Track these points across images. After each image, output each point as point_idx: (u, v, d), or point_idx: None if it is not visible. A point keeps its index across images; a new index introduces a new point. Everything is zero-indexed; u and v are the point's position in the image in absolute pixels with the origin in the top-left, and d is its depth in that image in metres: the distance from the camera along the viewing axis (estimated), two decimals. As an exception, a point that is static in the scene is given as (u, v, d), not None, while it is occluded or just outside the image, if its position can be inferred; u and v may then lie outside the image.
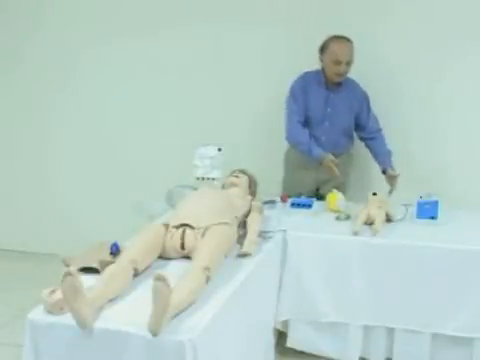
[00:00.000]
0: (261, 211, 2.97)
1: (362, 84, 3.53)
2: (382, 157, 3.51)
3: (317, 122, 3.48)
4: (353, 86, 3.50)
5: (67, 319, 1.92)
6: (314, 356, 2.96)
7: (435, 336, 2.79)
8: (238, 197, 2.93)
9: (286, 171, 3.70)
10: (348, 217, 3.12)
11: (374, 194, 3.11)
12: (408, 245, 2.80)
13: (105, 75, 4.32)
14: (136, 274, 2.25)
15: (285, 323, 2.94)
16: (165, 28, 4.11)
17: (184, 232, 2.48)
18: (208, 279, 2.16)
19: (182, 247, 2.47)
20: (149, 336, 1.84)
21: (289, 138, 3.50)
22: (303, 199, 3.36)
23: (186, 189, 3.09)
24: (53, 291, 2.03)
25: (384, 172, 3.47)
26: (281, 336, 2.99)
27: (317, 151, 3.36)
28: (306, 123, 3.48)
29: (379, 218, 2.97)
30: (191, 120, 4.15)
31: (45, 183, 4.56)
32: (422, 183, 3.65)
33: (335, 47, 3.31)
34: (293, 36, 3.84)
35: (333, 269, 2.85)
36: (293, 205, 3.31)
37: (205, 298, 2.10)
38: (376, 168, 3.62)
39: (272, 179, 3.62)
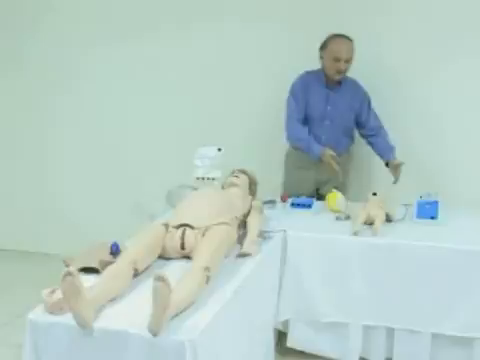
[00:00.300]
0: (261, 211, 2.97)
1: (362, 83, 3.53)
2: (384, 151, 3.48)
3: (317, 121, 3.48)
4: (354, 85, 3.51)
5: (67, 319, 1.92)
6: (314, 356, 2.96)
7: (435, 336, 2.79)
8: (238, 197, 2.93)
9: (286, 171, 3.70)
10: (348, 217, 3.12)
11: (374, 194, 3.11)
12: (408, 245, 2.80)
13: (105, 75, 4.32)
14: (136, 274, 2.25)
15: (285, 323, 2.94)
16: (165, 28, 4.11)
17: (184, 232, 2.48)
18: (208, 279, 2.16)
19: (182, 247, 2.47)
20: (149, 336, 1.84)
21: (289, 135, 3.51)
22: (303, 199, 3.36)
23: (186, 189, 3.09)
24: (53, 291, 2.03)
25: (387, 165, 3.44)
26: (281, 336, 3.00)
27: (317, 147, 3.36)
28: (306, 122, 3.49)
29: (379, 218, 2.97)
30: (191, 120, 4.16)
31: (45, 183, 4.57)
32: (422, 182, 3.66)
33: (335, 44, 3.33)
34: (293, 36, 3.84)
35: (333, 269, 2.85)
36: (293, 205, 3.31)
37: (205, 298, 2.10)
38: (376, 168, 3.62)
39: (272, 179, 3.63)
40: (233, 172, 3.18)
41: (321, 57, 3.41)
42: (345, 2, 3.77)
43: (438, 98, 3.74)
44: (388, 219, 3.07)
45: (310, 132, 3.45)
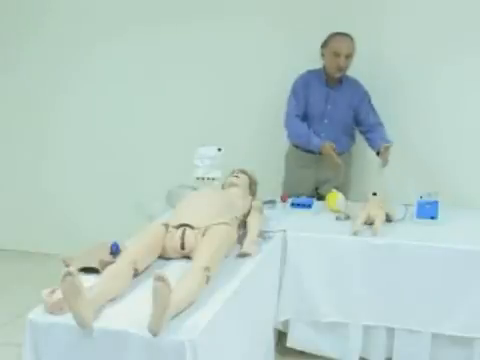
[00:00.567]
0: (261, 211, 2.97)
1: (363, 82, 3.53)
2: (377, 141, 3.40)
3: (317, 119, 3.49)
4: (355, 84, 3.52)
5: (67, 319, 1.92)
6: (314, 356, 2.96)
7: (435, 336, 2.79)
8: (238, 197, 2.93)
9: (286, 171, 3.70)
10: (348, 217, 3.12)
11: (374, 194, 3.11)
12: (408, 245, 2.80)
13: (105, 75, 4.32)
14: (136, 274, 2.25)
15: (285, 323, 2.94)
16: (165, 28, 4.11)
17: (184, 232, 2.48)
18: (208, 279, 2.16)
19: (182, 247, 2.47)
20: (149, 336, 1.84)
21: (289, 133, 3.52)
22: (303, 199, 3.36)
23: (186, 189, 3.09)
24: (53, 291, 2.03)
25: (378, 153, 3.37)
26: (281, 336, 2.99)
27: (316, 140, 3.36)
28: (306, 120, 3.49)
29: (379, 218, 2.97)
30: (191, 120, 4.15)
31: (45, 183, 4.57)
32: (422, 182, 3.65)
33: (335, 41, 3.36)
34: (294, 36, 3.84)
35: (333, 269, 2.85)
36: (293, 205, 3.31)
37: (205, 298, 2.10)
38: (376, 168, 3.61)
39: (272, 179, 3.63)
40: (233, 172, 3.18)
41: (322, 55, 3.43)
42: (346, 2, 3.77)
43: (438, 98, 3.74)
44: (388, 219, 3.07)
45: (310, 130, 3.45)
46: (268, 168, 3.76)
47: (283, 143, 3.64)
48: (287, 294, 2.88)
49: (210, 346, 1.95)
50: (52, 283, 2.04)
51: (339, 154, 3.49)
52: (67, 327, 1.93)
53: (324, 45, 3.41)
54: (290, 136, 3.55)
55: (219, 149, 3.23)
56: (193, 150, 3.26)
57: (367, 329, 2.88)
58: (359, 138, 3.67)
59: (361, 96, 3.51)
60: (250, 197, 3.06)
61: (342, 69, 3.38)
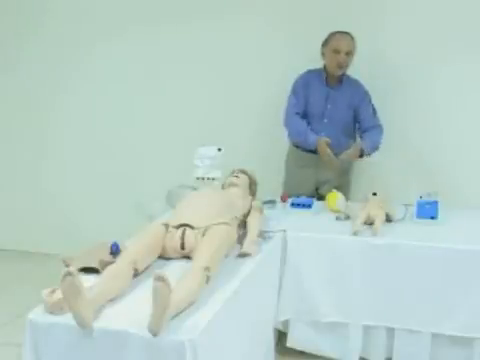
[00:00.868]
0: (261, 211, 2.97)
1: (363, 82, 3.53)
2: (364, 139, 3.43)
3: (317, 118, 3.49)
4: (355, 84, 3.52)
5: (67, 319, 1.92)
6: (314, 356, 2.96)
7: (435, 336, 2.79)
8: (238, 197, 2.93)
9: (287, 171, 3.70)
10: (348, 217, 3.12)
11: (374, 194, 3.11)
12: (408, 245, 2.80)
13: (104, 75, 4.33)
14: (136, 274, 2.25)
15: (285, 323, 2.94)
16: (165, 28, 4.11)
17: (184, 232, 2.48)
18: (208, 279, 2.16)
19: (182, 247, 2.47)
20: (149, 336, 1.84)
21: (289, 132, 3.53)
22: (303, 199, 3.36)
23: (186, 189, 3.09)
24: (53, 291, 2.03)
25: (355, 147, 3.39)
26: (281, 336, 2.99)
27: (313, 137, 3.37)
28: (307, 119, 3.49)
29: (379, 218, 2.96)
30: (191, 120, 4.16)
31: (45, 183, 4.57)
32: (422, 182, 3.65)
33: (335, 39, 3.38)
34: (294, 36, 3.84)
35: (333, 269, 2.85)
36: (293, 205, 3.31)
37: (205, 298, 2.10)
38: (376, 168, 3.62)
39: (272, 179, 3.63)
40: (233, 172, 3.18)
41: (322, 54, 3.44)
42: (346, 2, 3.77)
43: (438, 98, 3.74)
44: (388, 219, 3.07)
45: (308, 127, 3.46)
46: (268, 168, 3.76)
47: (283, 143, 3.64)
48: (287, 294, 2.88)
49: (210, 346, 1.94)
50: (52, 283, 2.04)
51: (338, 154, 3.49)
52: (67, 327, 1.93)
53: (324, 44, 3.42)
54: (290, 134, 3.55)
55: (219, 149, 3.24)
56: (193, 150, 3.26)
57: (367, 329, 2.88)
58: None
59: (361, 96, 3.51)
60: (250, 197, 3.06)
61: (342, 66, 3.39)
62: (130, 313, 1.98)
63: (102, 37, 4.26)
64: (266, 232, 2.85)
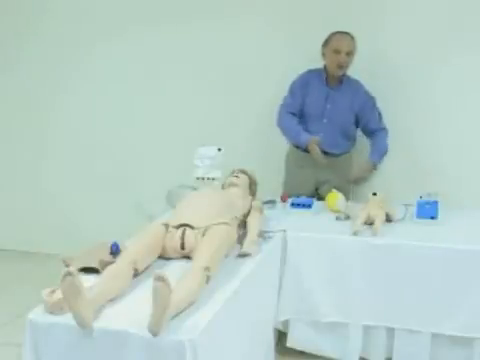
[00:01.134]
0: (261, 211, 2.97)
1: (365, 82, 3.53)
2: (373, 149, 3.52)
3: (316, 118, 3.49)
4: (356, 86, 3.51)
5: (67, 319, 1.92)
6: (314, 356, 2.96)
7: (435, 336, 2.79)
8: (238, 197, 2.93)
9: (287, 171, 3.70)
10: (348, 217, 3.12)
11: (374, 194, 3.11)
12: (408, 245, 2.80)
13: (104, 75, 4.33)
14: (136, 274, 2.25)
15: (285, 323, 2.94)
16: (165, 28, 4.11)
17: (184, 232, 2.48)
18: (208, 279, 2.16)
19: (182, 247, 2.47)
20: (149, 336, 1.84)
21: (278, 123, 3.54)
22: (303, 199, 3.36)
23: (186, 189, 3.09)
24: (53, 291, 2.03)
25: (367, 164, 3.49)
26: (281, 336, 2.99)
27: (304, 136, 3.38)
28: (305, 119, 3.50)
29: (379, 218, 2.97)
30: (191, 120, 4.15)
31: (45, 183, 4.57)
32: (422, 183, 3.65)
33: (335, 39, 3.38)
34: (294, 36, 3.84)
35: (333, 269, 2.85)
36: (293, 205, 3.31)
37: (205, 298, 2.10)
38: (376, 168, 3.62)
39: (272, 179, 3.63)
40: (233, 172, 3.19)
41: (323, 54, 3.44)
42: (346, 2, 3.77)
43: (438, 98, 3.74)
44: (388, 219, 3.07)
45: (307, 130, 3.46)
46: (268, 168, 3.76)
47: (283, 143, 3.64)
48: (287, 294, 2.88)
49: (210, 346, 1.95)
50: (52, 283, 2.04)
51: (338, 155, 3.51)
52: (67, 327, 1.93)
53: (325, 44, 3.42)
54: (280, 127, 3.55)
55: (219, 149, 3.24)
56: (193, 150, 3.26)
57: (367, 329, 2.88)
58: (359, 139, 3.67)
59: (363, 99, 3.50)
60: (250, 197, 3.06)
61: (343, 66, 3.39)
62: (130, 313, 1.98)
63: (102, 37, 4.25)
64: (266, 232, 2.85)
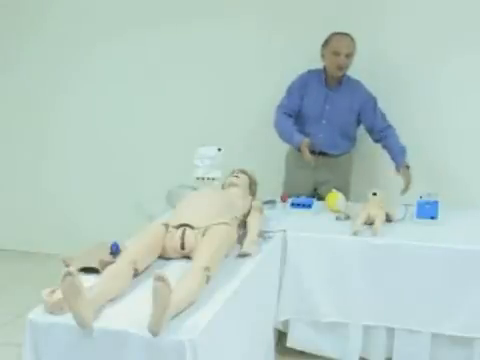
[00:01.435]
0: (261, 211, 2.97)
1: (366, 82, 3.52)
2: (393, 154, 3.44)
3: (315, 119, 3.49)
4: (357, 87, 3.50)
5: (67, 319, 1.92)
6: (314, 356, 2.96)
7: (435, 336, 2.79)
8: (238, 197, 2.93)
9: (287, 171, 3.71)
10: (348, 217, 3.12)
11: (374, 194, 3.11)
12: (408, 245, 2.80)
13: (104, 75, 4.33)
14: (136, 274, 2.25)
15: (285, 323, 2.94)
16: (165, 28, 4.11)
17: (184, 232, 2.48)
18: (208, 279, 2.16)
19: (182, 247, 2.47)
20: (149, 336, 1.84)
21: (274, 123, 3.53)
22: (303, 199, 3.36)
23: (186, 189, 3.09)
24: (53, 291, 2.03)
25: (398, 170, 3.40)
26: (281, 336, 2.99)
27: (297, 137, 3.37)
28: (304, 120, 3.50)
29: (379, 218, 2.97)
30: (191, 120, 4.15)
31: (45, 183, 4.57)
32: (422, 182, 3.65)
33: (335, 40, 3.37)
34: (294, 37, 3.84)
35: (333, 269, 2.85)
36: (293, 205, 3.31)
37: (205, 298, 2.10)
38: (377, 168, 3.62)
39: (272, 179, 3.63)
40: (233, 172, 3.18)
41: (322, 55, 3.44)
42: (346, 2, 3.76)
43: (439, 98, 3.74)
44: (388, 219, 3.07)
45: (306, 131, 3.46)
46: (268, 168, 3.76)
47: (283, 143, 3.63)
48: (287, 294, 2.88)
49: (210, 346, 1.95)
50: (52, 283, 2.04)
51: (338, 156, 3.50)
52: (67, 327, 1.93)
53: (324, 45, 3.42)
54: (275, 127, 3.54)
55: (219, 149, 3.23)
56: (193, 150, 3.26)
57: (367, 329, 2.88)
58: (359, 139, 3.66)
59: (363, 99, 3.49)
60: (250, 197, 3.06)
61: (342, 68, 3.38)
62: (130, 313, 1.98)
63: (102, 37, 4.25)
64: (266, 232, 2.85)
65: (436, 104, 3.75)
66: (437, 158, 3.79)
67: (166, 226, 2.52)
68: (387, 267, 2.80)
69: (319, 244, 2.88)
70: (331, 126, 3.49)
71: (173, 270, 2.26)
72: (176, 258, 2.49)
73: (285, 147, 3.67)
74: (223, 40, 4.02)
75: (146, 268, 2.34)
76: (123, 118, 4.33)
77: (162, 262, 2.44)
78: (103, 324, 1.93)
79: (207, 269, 2.17)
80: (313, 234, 2.91)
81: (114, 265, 2.20)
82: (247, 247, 2.61)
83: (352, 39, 3.37)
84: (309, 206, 3.28)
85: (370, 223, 2.96)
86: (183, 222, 2.52)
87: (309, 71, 3.53)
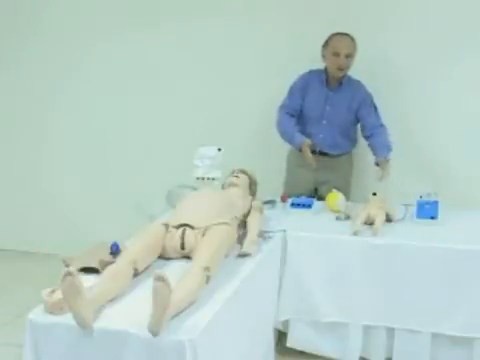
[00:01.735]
0: (261, 211, 2.97)
1: (366, 83, 3.52)
2: (378, 148, 3.37)
3: (316, 120, 3.50)
4: (357, 86, 3.51)
5: (67, 319, 1.92)
6: (314, 356, 2.96)
7: (435, 336, 2.79)
8: (238, 197, 2.93)
9: (287, 171, 3.71)
10: (348, 217, 3.12)
11: (374, 194, 3.11)
12: (408, 245, 2.80)
13: (104, 74, 4.32)
14: (136, 274, 2.25)
15: (285, 323, 2.94)
16: (165, 27, 4.11)
17: (184, 232, 2.48)
18: (208, 279, 2.16)
19: (182, 247, 2.47)
20: (149, 336, 1.84)
21: (276, 125, 3.54)
22: (303, 199, 3.36)
23: (186, 189, 3.09)
24: (53, 291, 2.03)
25: (377, 164, 3.34)
26: (281, 336, 2.99)
27: (298, 138, 3.38)
28: (304, 120, 3.51)
29: (379, 218, 2.97)
30: (191, 120, 4.15)
31: (45, 183, 4.56)
32: (422, 182, 3.65)
33: (335, 40, 3.37)
34: (295, 36, 3.84)
35: (333, 269, 2.85)
36: (293, 205, 3.31)
37: (205, 298, 2.10)
38: (377, 168, 3.61)
39: (272, 179, 3.63)
40: (233, 172, 3.19)
41: (323, 55, 3.44)
42: (346, 2, 3.76)
43: (438, 98, 3.74)
44: (388, 219, 3.07)
45: (307, 131, 3.46)
46: (268, 168, 3.76)
47: (283, 143, 3.63)
48: (287, 294, 2.88)
49: (210, 346, 1.95)
50: (52, 283, 2.04)
51: (338, 156, 3.51)
52: (67, 327, 1.93)
53: (325, 46, 3.42)
54: (277, 129, 3.55)
55: (219, 149, 3.23)
56: (193, 150, 3.26)
57: (367, 329, 2.88)
58: (359, 139, 3.66)
59: (362, 97, 3.49)
60: (250, 197, 3.06)
61: (342, 68, 3.38)
62: (130, 313, 1.98)
63: (102, 37, 4.25)
64: (266, 232, 2.85)
65: (436, 104, 3.75)
66: (437, 158, 3.79)
67: (166, 226, 2.52)
68: (387, 267, 2.80)
69: (319, 244, 2.88)
70: (331, 126, 3.49)
71: (173, 270, 2.26)
72: (176, 258, 2.49)
73: (285, 147, 3.67)
74: (223, 40, 4.02)
75: (146, 268, 2.34)
76: (123, 118, 4.32)
77: (162, 262, 2.44)
78: (103, 324, 1.93)
79: (207, 269, 2.17)
80: (313, 234, 2.91)
81: (114, 265, 2.20)
82: (247, 247, 2.61)
83: (352, 39, 3.37)
84: (309, 206, 3.28)
85: (370, 223, 2.96)
86: (183, 222, 2.52)
87: (310, 71, 3.53)
